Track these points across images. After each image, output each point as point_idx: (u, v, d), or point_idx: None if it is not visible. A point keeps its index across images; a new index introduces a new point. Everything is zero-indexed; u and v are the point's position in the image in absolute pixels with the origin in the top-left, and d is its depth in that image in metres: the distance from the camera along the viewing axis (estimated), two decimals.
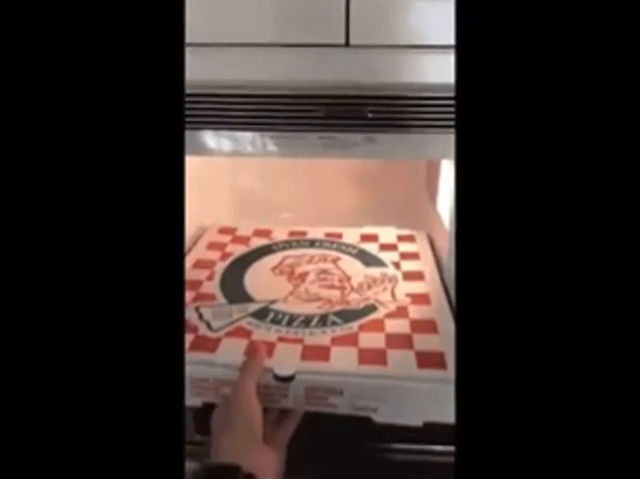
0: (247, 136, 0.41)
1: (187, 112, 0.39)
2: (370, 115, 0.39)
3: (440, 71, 0.35)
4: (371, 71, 0.38)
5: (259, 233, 0.68)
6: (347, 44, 0.37)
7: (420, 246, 0.63)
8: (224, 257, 0.61)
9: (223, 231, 0.69)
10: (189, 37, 0.27)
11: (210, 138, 0.42)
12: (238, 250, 0.63)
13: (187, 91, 0.32)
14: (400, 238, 0.66)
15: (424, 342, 0.43)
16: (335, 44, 0.37)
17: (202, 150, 0.42)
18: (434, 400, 0.38)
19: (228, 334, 0.44)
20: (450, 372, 0.39)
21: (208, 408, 0.38)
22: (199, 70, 0.36)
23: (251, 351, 0.40)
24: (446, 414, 0.38)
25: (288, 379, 0.38)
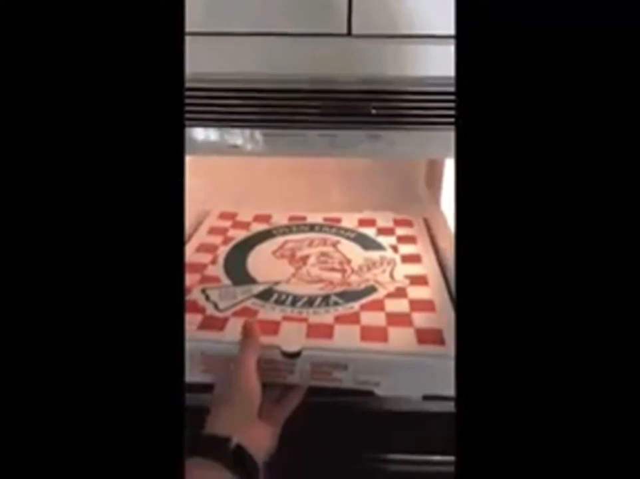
0: (238, 133, 0.39)
1: None
2: (374, 111, 0.37)
3: (451, 63, 0.32)
4: (375, 63, 0.35)
5: (259, 218, 0.69)
6: (349, 33, 0.35)
7: (417, 230, 0.65)
8: (226, 241, 0.62)
9: (224, 216, 0.70)
10: None
11: (198, 136, 0.39)
12: (239, 235, 0.64)
13: None
14: (397, 222, 0.68)
15: (422, 320, 0.45)
16: (336, 33, 0.35)
17: (189, 149, 0.38)
18: (434, 374, 0.40)
19: (235, 314, 0.46)
20: (448, 347, 0.41)
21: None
22: (187, 61, 0.32)
23: (248, 330, 0.41)
24: (445, 387, 0.40)
25: (295, 355, 0.40)
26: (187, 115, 0.38)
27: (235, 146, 0.39)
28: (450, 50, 0.32)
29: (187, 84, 0.34)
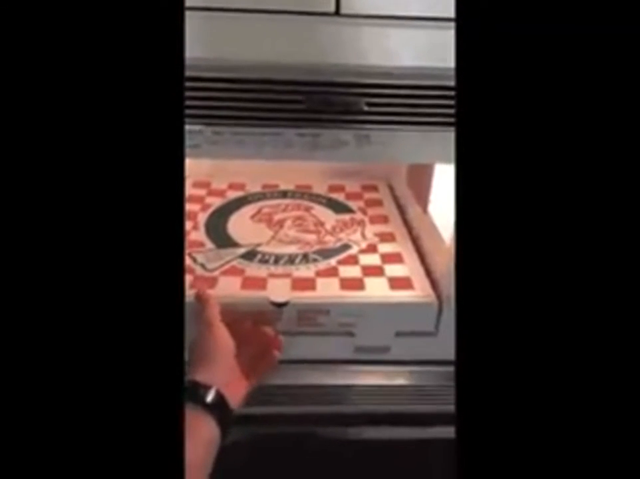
0: (199, 131, 0.32)
1: None
2: (365, 107, 0.31)
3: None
4: (368, 49, 0.29)
5: (233, 186, 0.72)
6: (337, 12, 0.29)
7: (383, 194, 0.71)
8: (204, 208, 0.65)
9: (198, 184, 0.72)
10: None
11: None
12: (216, 202, 0.67)
13: None
14: (365, 188, 0.73)
15: (393, 270, 0.51)
16: (322, 12, 0.29)
17: None
18: (405, 314, 0.46)
19: (223, 273, 0.50)
20: (416, 291, 0.47)
21: None
22: None
23: (202, 298, 0.41)
24: (415, 325, 0.46)
25: (283, 305, 0.45)
26: None
27: (195, 146, 0.32)
28: None
29: None
